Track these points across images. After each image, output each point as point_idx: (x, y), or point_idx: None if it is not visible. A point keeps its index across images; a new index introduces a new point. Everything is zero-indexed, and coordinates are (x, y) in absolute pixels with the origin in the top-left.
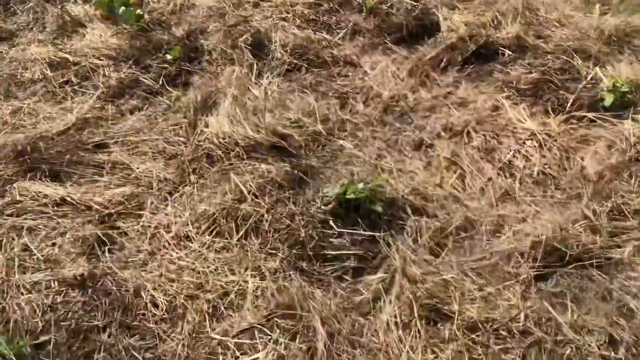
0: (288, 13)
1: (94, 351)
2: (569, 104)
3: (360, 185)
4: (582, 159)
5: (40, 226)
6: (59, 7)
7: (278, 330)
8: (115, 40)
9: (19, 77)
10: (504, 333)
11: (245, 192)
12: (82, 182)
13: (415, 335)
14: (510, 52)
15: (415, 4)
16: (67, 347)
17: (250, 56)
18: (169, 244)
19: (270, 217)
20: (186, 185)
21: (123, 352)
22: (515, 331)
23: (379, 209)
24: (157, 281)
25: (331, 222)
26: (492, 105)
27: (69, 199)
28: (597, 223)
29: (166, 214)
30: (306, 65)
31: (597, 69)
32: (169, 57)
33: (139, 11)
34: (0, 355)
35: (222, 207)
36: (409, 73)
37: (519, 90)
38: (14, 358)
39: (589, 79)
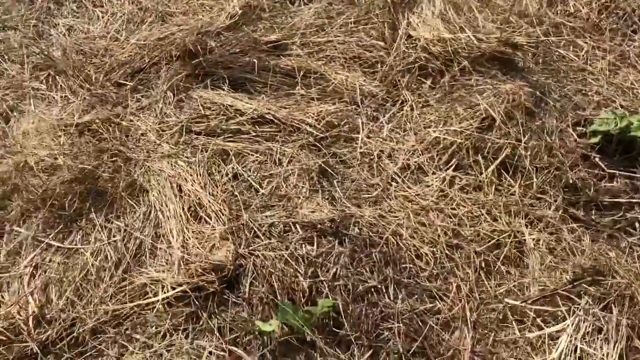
0: None
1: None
2: None
3: (638, 119)
4: None
5: (248, 150)
6: None
7: (586, 298)
8: None
9: None
10: None
11: (497, 116)
12: (274, 94)
13: None
14: None
15: None
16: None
17: None
18: (399, 177)
19: (529, 151)
20: (400, 104)
21: (416, 319)
22: None
23: None
24: (410, 226)
25: (597, 160)
26: None
27: (269, 116)
28: None
29: (384, 140)
30: None
31: None
32: None
33: None
34: (289, 326)
35: (460, 135)
36: None
37: None
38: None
39: None
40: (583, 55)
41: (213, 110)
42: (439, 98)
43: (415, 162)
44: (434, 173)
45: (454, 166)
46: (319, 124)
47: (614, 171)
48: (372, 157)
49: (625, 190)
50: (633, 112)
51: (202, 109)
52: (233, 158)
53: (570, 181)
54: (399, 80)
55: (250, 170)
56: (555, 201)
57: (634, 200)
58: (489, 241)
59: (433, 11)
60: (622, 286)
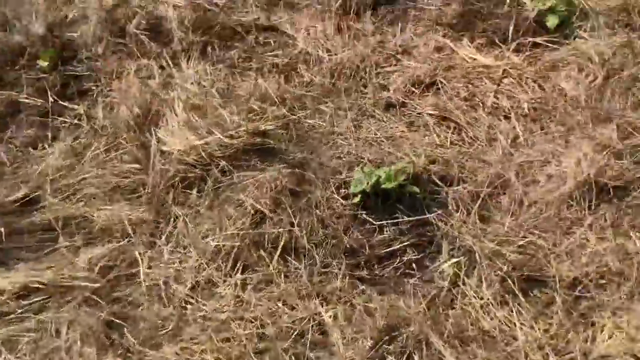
0: None
1: None
2: (510, 32)
3: (384, 171)
4: (560, 85)
5: (17, 333)
6: None
7: (390, 358)
8: None
9: None
10: (602, 281)
11: (265, 209)
12: (35, 257)
13: (520, 311)
14: None
15: None
16: None
17: (151, 43)
18: (192, 298)
19: (304, 231)
20: (174, 221)
21: None
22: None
23: (415, 189)
24: (212, 348)
25: (365, 217)
26: (435, 47)
27: (34, 285)
28: (618, 148)
29: (166, 264)
30: (216, 40)
31: None
32: (43, 64)
33: None
34: None
35: (238, 237)
36: (337, 29)
37: (451, 26)
38: None
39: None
40: (329, 119)
41: None
42: (209, 205)
43: (204, 277)
44: (224, 281)
45: (241, 268)
46: (92, 274)
47: (382, 222)
48: (159, 287)
49: (395, 237)
50: (380, 165)
51: None
52: (2, 349)
53: (348, 246)
54: (165, 198)
55: (26, 356)
56: (340, 269)
57: (405, 244)
58: (293, 333)
59: (178, 121)
60: (415, 332)
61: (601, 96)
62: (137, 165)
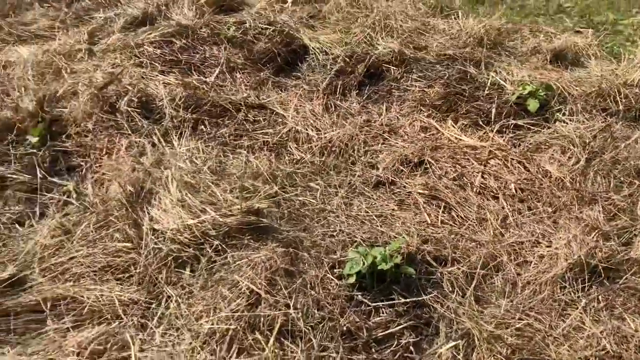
0: (139, 57)
1: None
2: (493, 115)
3: (379, 252)
4: (544, 167)
5: None
6: None
7: None
8: None
9: None
10: None
11: (260, 290)
12: (21, 340)
13: None
14: (395, 67)
15: (270, 27)
16: None
17: (142, 120)
18: None
19: (300, 313)
20: (166, 301)
21: None
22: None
23: (411, 270)
24: None
25: (361, 297)
26: (421, 127)
27: None
28: (605, 229)
29: (158, 347)
30: (207, 118)
31: (493, 74)
32: (33, 139)
33: None
34: None
35: (233, 319)
36: (325, 108)
37: (435, 107)
38: None
39: (489, 84)
40: (319, 197)
41: None
42: (202, 285)
43: None
44: None
45: (236, 352)
46: (83, 358)
47: (378, 303)
48: None
49: (392, 320)
50: (373, 244)
51: None
52: None
53: (345, 328)
54: (157, 278)
55: None
56: (338, 353)
57: (402, 326)
58: None
59: (171, 199)
60: None
61: (585, 178)
62: (128, 244)
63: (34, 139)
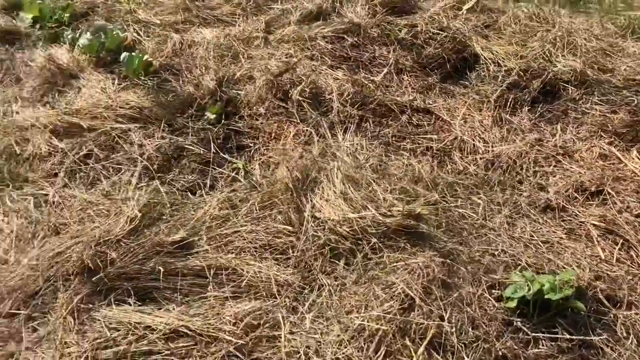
0: (311, 50)
1: None
2: None
3: (548, 280)
4: None
5: None
6: (43, 53)
7: None
8: (129, 96)
9: (19, 152)
10: None
11: (415, 296)
12: (185, 300)
13: None
14: (574, 87)
15: (442, 33)
16: None
17: (311, 110)
18: None
19: (453, 327)
20: (318, 289)
21: None
22: None
23: (581, 306)
24: None
25: (520, 324)
26: (600, 154)
27: (183, 329)
28: None
29: (307, 333)
30: (371, 116)
31: None
32: (211, 116)
33: (146, 57)
34: None
35: (384, 320)
36: (494, 121)
37: (618, 135)
38: None
39: None
40: (481, 212)
41: (120, 332)
42: (355, 279)
43: (344, 354)
44: None
45: (383, 353)
46: (237, 328)
47: (538, 334)
48: (299, 355)
49: (552, 354)
50: (539, 270)
51: (107, 332)
52: None
53: (500, 353)
54: (313, 264)
55: None
56: None
57: None
58: None
59: (334, 191)
60: None
61: None
62: (289, 227)
63: (212, 116)
